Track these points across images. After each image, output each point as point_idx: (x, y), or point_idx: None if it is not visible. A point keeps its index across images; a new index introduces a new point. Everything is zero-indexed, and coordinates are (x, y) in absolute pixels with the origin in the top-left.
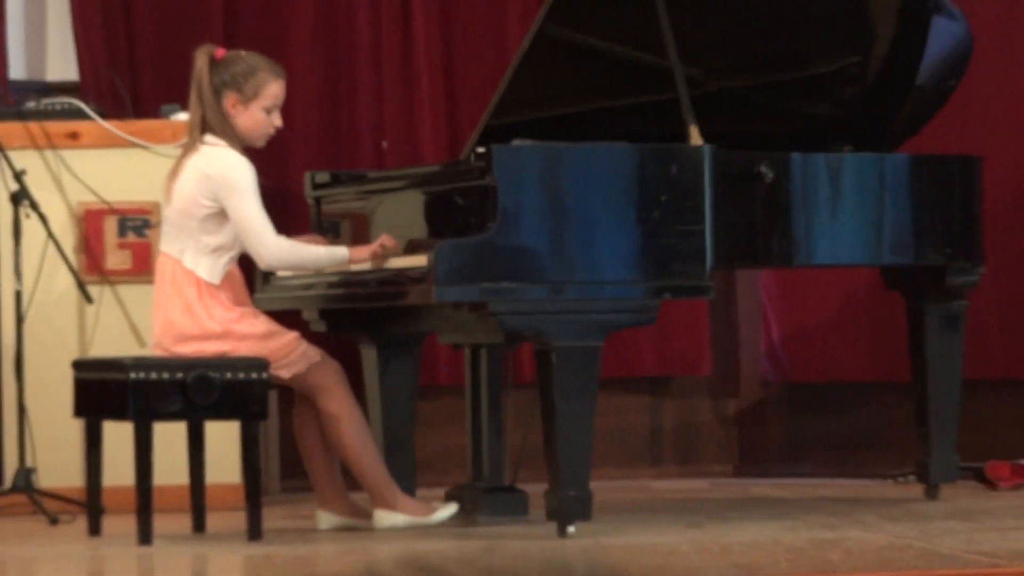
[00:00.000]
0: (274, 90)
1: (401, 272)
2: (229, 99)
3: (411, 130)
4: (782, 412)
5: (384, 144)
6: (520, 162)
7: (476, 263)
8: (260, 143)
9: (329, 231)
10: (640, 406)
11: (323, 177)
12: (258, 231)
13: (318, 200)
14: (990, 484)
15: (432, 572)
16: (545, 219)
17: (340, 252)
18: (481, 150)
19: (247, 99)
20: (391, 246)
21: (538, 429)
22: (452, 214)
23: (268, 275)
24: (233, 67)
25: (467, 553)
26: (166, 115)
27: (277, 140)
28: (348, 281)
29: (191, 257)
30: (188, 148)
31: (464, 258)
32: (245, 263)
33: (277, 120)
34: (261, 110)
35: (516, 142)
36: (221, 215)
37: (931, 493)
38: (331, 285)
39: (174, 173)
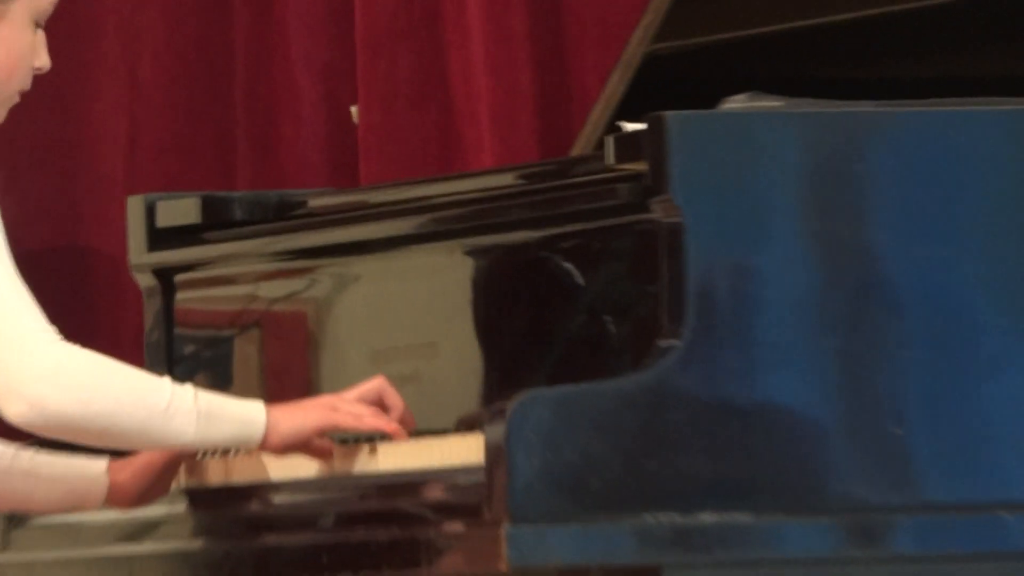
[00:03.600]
0: None
1: (407, 482)
2: None
3: (436, 77)
4: None
5: (353, 111)
6: (759, 152)
7: (628, 456)
8: (3, 111)
9: (192, 368)
10: None
11: (181, 209)
12: (8, 322)
13: (165, 276)
14: None
15: None
16: (844, 319)
17: (248, 412)
18: (631, 126)
19: None
20: (399, 412)
21: None
22: (556, 312)
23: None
24: None
25: None
26: None
27: (62, 115)
28: (255, 515)
29: None
30: None
31: (588, 439)
32: None
33: (43, 53)
34: (30, 21)
35: (733, 104)
36: None
37: None
38: (199, 528)
39: None
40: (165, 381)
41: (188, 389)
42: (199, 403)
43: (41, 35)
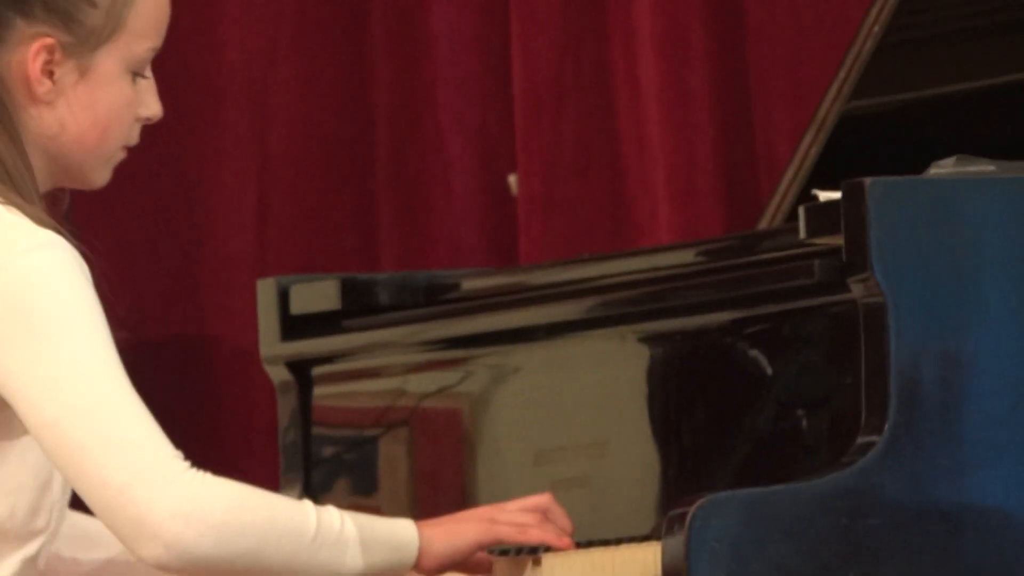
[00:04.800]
0: (151, 13)
1: None
2: (35, 54)
3: (604, 140)
4: None
5: (511, 181)
6: (971, 223)
7: (825, 567)
8: (105, 170)
9: (332, 472)
10: None
11: (318, 293)
12: (125, 447)
13: (301, 369)
14: None
15: None
16: None
17: (400, 534)
18: (826, 195)
19: (92, 44)
20: (562, 527)
21: None
22: (741, 406)
23: None
24: None
25: None
26: None
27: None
28: None
29: None
30: None
31: (780, 548)
32: None
33: (152, 101)
34: (125, 72)
35: (940, 169)
36: None
37: None
38: None
39: None
40: (308, 508)
41: (334, 514)
42: (347, 530)
43: (146, 83)
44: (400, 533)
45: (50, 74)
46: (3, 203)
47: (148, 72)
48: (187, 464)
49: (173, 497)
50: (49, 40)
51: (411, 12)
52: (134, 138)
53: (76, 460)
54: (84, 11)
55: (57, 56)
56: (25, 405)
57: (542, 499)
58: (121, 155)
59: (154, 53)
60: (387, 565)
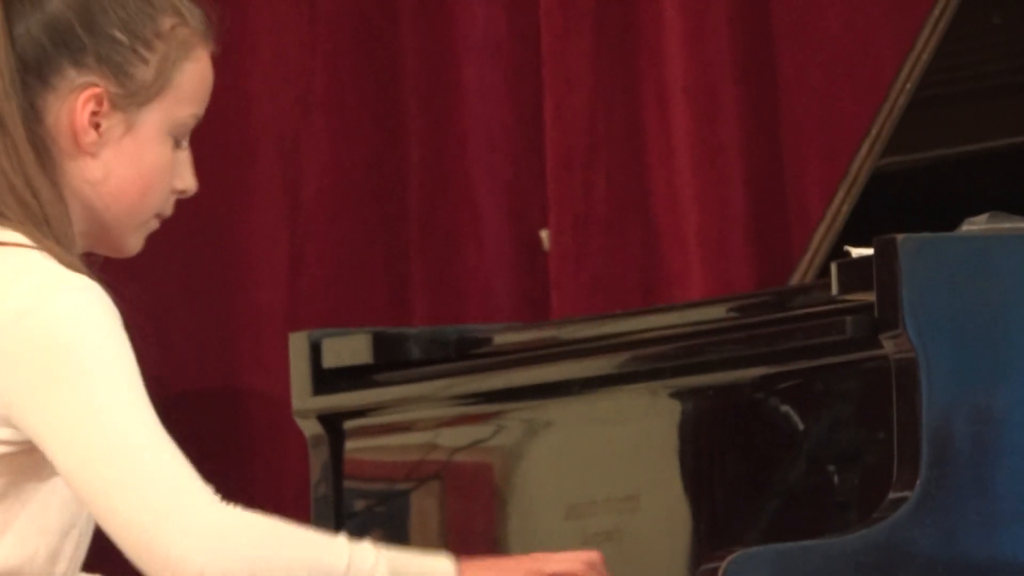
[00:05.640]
0: (197, 78)
1: None
2: (83, 104)
3: (636, 196)
4: None
5: (543, 236)
6: (1003, 280)
7: None
8: (138, 236)
9: (364, 525)
10: None
11: (350, 347)
12: (152, 486)
13: (333, 422)
14: None
15: None
16: None
17: (438, 570)
18: (858, 251)
19: (140, 100)
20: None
21: None
22: (773, 461)
23: None
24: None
25: None
26: None
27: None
28: None
29: None
30: None
31: None
32: None
33: (187, 174)
34: (166, 134)
35: (972, 226)
36: (12, 461)
37: None
38: None
39: None
40: (341, 542)
41: (368, 550)
42: (381, 565)
43: (184, 154)
44: (439, 570)
45: (96, 126)
46: (37, 248)
47: (186, 144)
48: (216, 497)
49: (199, 531)
50: (98, 89)
51: (443, 67)
52: (168, 209)
53: (104, 500)
54: (135, 65)
55: (105, 107)
56: (55, 446)
57: (592, 555)
58: (155, 224)
59: (195, 121)
60: None
